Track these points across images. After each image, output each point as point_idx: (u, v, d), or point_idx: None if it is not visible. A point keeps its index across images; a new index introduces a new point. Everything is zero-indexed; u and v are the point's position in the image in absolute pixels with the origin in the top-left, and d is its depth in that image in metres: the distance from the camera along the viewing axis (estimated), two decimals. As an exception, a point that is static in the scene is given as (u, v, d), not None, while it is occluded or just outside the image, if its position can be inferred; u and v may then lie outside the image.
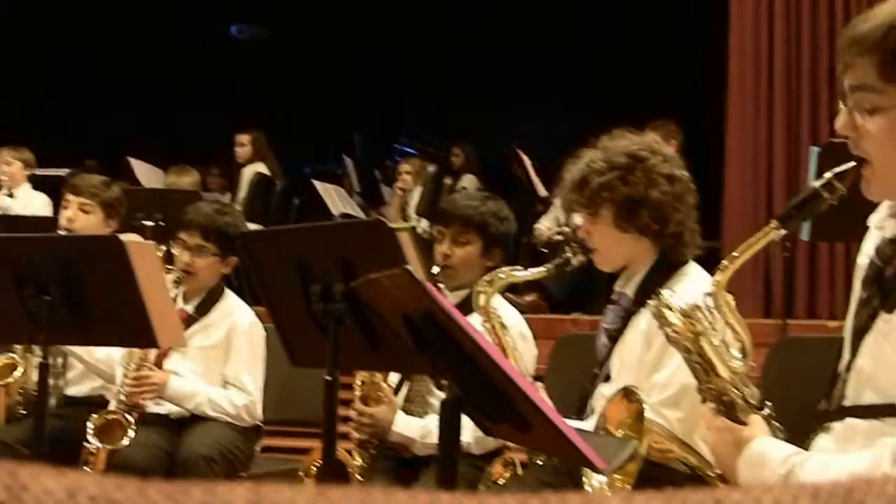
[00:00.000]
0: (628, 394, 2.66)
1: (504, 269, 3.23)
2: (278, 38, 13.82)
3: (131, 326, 3.15)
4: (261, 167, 9.39)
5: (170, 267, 4.08)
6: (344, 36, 12.94)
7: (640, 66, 11.23)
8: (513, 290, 5.01)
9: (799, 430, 2.08)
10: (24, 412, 4.14)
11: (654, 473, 2.65)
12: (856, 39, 1.89)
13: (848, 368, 2.01)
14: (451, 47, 12.59)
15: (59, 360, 4.24)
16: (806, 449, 2.00)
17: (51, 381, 3.80)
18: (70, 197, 4.54)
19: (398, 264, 2.15)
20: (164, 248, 4.17)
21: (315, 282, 2.75)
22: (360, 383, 3.61)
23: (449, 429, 2.13)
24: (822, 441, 2.04)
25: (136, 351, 4.00)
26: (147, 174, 8.63)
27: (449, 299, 3.22)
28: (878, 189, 1.96)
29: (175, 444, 4.02)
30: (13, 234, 4.59)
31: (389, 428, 3.55)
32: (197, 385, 4.07)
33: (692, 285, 2.84)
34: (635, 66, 11.27)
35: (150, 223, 6.46)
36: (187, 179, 8.51)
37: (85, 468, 3.82)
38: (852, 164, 1.97)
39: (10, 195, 7.78)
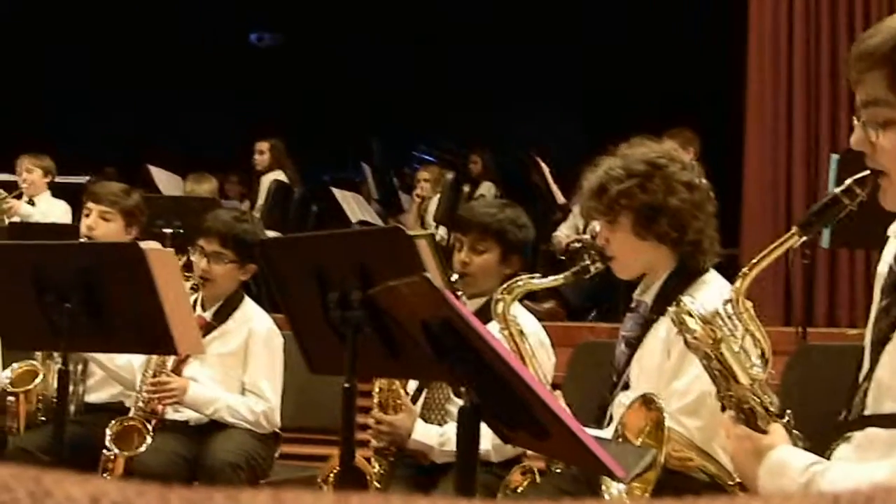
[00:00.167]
0: (647, 402, 2.65)
1: (522, 276, 3.23)
2: (296, 46, 13.86)
3: (151, 333, 3.16)
4: (279, 175, 9.41)
5: (188, 274, 4.09)
6: (357, 41, 12.96)
7: (659, 72, 11.22)
8: (531, 298, 5.01)
9: (819, 439, 2.07)
10: (44, 419, 4.16)
11: (672, 482, 2.64)
12: (864, 54, 1.89)
13: (868, 377, 2.00)
14: (451, 47, 12.60)
15: (79, 367, 4.26)
16: (826, 458, 1.99)
17: (70, 388, 3.82)
18: (90, 205, 4.55)
19: (416, 272, 2.15)
20: (183, 257, 4.18)
21: (333, 289, 2.75)
22: (378, 391, 3.61)
23: (467, 436, 2.13)
24: (842, 450, 2.03)
25: (155, 358, 4.01)
26: (166, 181, 8.66)
27: (467, 307, 3.22)
28: (895, 200, 1.95)
29: (194, 451, 4.02)
30: (34, 241, 4.62)
31: (408, 436, 3.55)
32: (216, 392, 4.08)
33: (711, 293, 2.83)
34: (654, 72, 11.26)
35: (169, 230, 6.49)
36: (206, 187, 8.54)
37: (104, 475, 3.83)
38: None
39: (31, 203, 7.82)
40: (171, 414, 4.10)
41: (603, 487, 2.64)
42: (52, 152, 8.25)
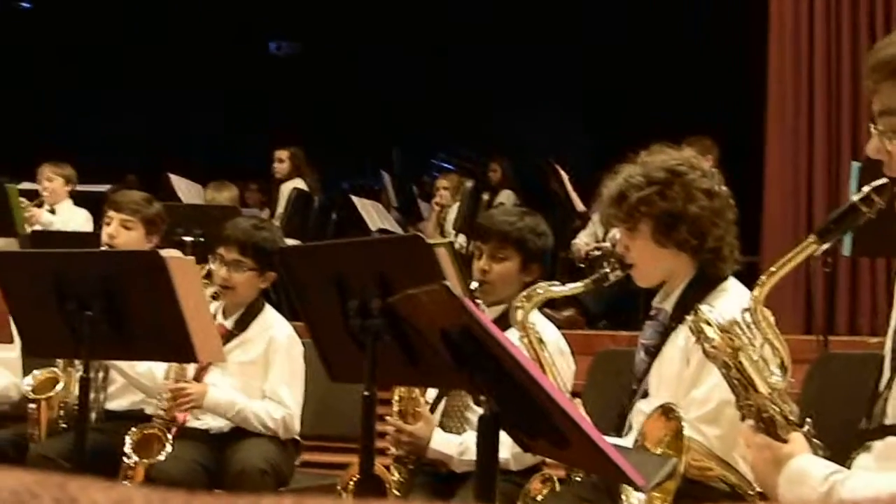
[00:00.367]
0: (667, 411, 2.64)
1: (542, 284, 3.23)
2: (316, 54, 13.90)
3: (171, 341, 3.18)
4: (299, 183, 9.43)
5: (207, 282, 4.10)
6: (377, 50, 12.99)
7: (680, 78, 11.21)
8: (550, 306, 5.00)
9: (839, 448, 2.06)
10: (65, 426, 4.17)
11: (692, 491, 2.64)
12: (880, 64, 1.89)
13: (889, 386, 2.00)
14: (467, 52, 12.64)
15: (100, 375, 4.27)
16: (846, 467, 1.98)
17: (91, 395, 3.84)
18: (111, 213, 4.57)
19: (436, 280, 2.15)
20: (205, 266, 4.19)
21: (353, 297, 2.76)
22: (397, 399, 3.61)
23: (487, 445, 2.13)
24: (862, 459, 2.02)
25: (175, 366, 4.02)
26: (187, 190, 8.69)
27: (486, 315, 3.22)
28: None
29: (213, 459, 4.03)
30: (55, 249, 4.65)
31: (427, 445, 3.55)
32: (235, 396, 4.09)
33: (731, 301, 2.82)
34: (674, 77, 11.25)
35: (189, 239, 6.51)
36: (226, 195, 8.57)
37: (124, 482, 3.84)
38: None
39: (52, 211, 7.86)
40: (192, 422, 4.11)
41: (623, 496, 2.63)
42: (73, 161, 8.29)
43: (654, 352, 3.02)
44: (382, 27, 12.92)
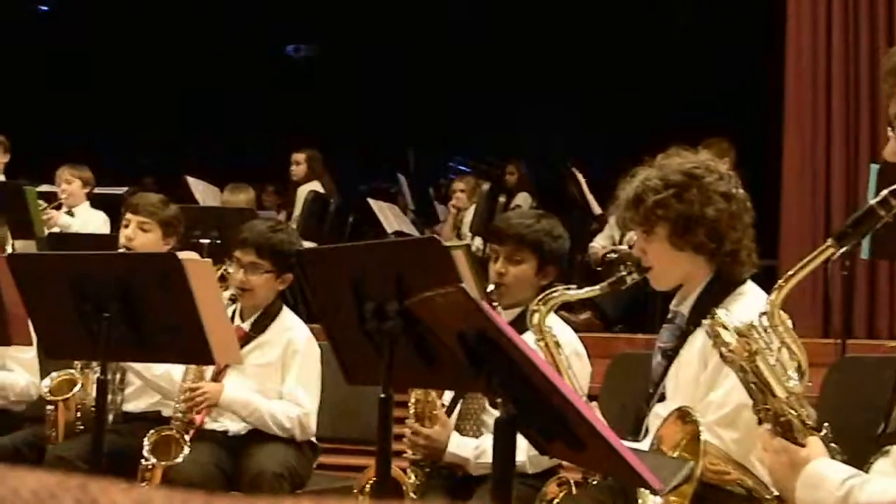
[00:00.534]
0: (683, 415, 2.64)
1: (558, 287, 3.23)
2: (332, 57, 13.93)
3: (188, 343, 3.19)
4: (316, 185, 9.44)
5: (224, 284, 4.11)
6: (392, 52, 13.01)
7: (697, 79, 11.19)
8: (567, 309, 5.00)
9: (857, 452, 2.05)
10: (83, 427, 4.19)
11: (709, 495, 2.63)
12: (895, 69, 1.89)
13: (907, 390, 1.99)
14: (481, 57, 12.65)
15: (117, 376, 4.29)
16: (864, 472, 1.97)
17: (109, 397, 3.85)
18: (129, 215, 4.59)
19: (452, 282, 2.15)
20: (221, 267, 4.20)
21: (369, 300, 2.76)
22: (414, 401, 3.61)
23: (503, 447, 2.13)
24: (880, 464, 2.01)
25: (193, 368, 4.03)
26: (204, 192, 8.71)
27: (503, 317, 3.22)
28: None
29: (231, 461, 4.04)
30: (73, 251, 4.66)
31: (444, 449, 3.55)
32: (251, 395, 4.10)
33: (748, 304, 2.82)
34: (692, 79, 11.23)
35: (206, 241, 6.52)
36: (243, 197, 8.58)
37: (142, 484, 3.85)
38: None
39: (70, 213, 7.89)
40: (209, 423, 4.12)
41: (639, 500, 2.63)
42: (92, 163, 8.32)
43: (671, 355, 3.01)
44: (398, 30, 12.93)
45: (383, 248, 3.53)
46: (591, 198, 8.44)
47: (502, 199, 9.75)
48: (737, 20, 10.49)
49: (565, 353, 3.22)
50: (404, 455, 3.62)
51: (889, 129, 1.95)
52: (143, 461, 3.91)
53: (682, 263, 3.02)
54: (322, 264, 3.09)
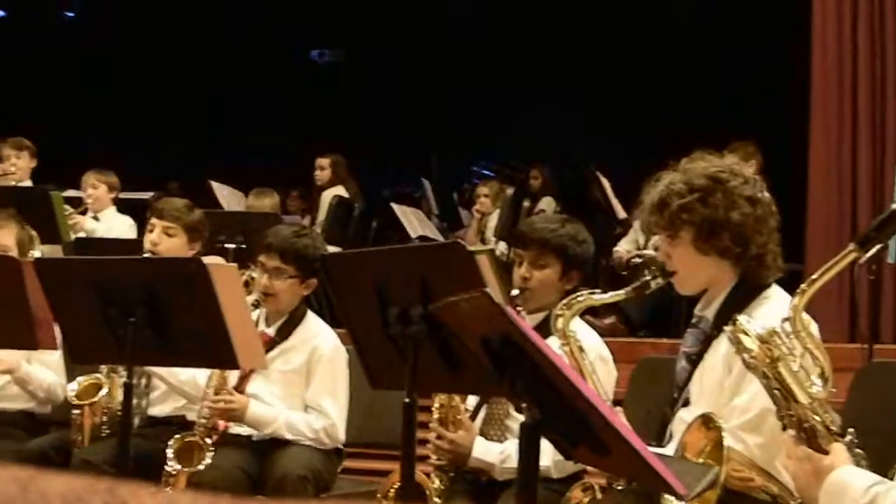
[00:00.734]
0: (706, 421, 2.63)
1: (583, 291, 3.22)
2: (356, 63, 13.96)
3: (213, 348, 3.20)
4: (340, 190, 9.47)
5: (248, 289, 4.12)
6: (417, 58, 13.03)
7: (722, 82, 11.15)
8: (591, 313, 4.99)
9: (884, 457, 2.04)
10: (109, 431, 4.20)
11: (733, 501, 2.62)
12: None
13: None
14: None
15: (143, 381, 4.30)
16: (890, 478, 1.96)
17: (134, 401, 3.87)
18: (154, 220, 4.61)
19: (477, 287, 2.15)
20: (245, 272, 4.20)
21: (393, 304, 2.76)
22: (437, 406, 3.61)
23: (528, 452, 2.13)
24: (907, 469, 2.00)
25: (217, 373, 4.04)
26: (228, 197, 8.74)
27: (527, 322, 3.22)
28: None
29: (256, 466, 4.04)
30: (99, 256, 4.69)
31: (468, 454, 3.54)
32: (276, 410, 4.09)
33: (773, 309, 2.80)
34: (716, 81, 11.19)
35: (231, 246, 6.55)
36: (267, 202, 8.60)
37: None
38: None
39: (96, 218, 7.93)
40: (234, 428, 4.13)
41: (664, 505, 2.62)
42: (117, 168, 8.36)
43: (695, 360, 3.00)
44: (411, 34, 12.94)
45: (407, 253, 3.53)
46: (615, 202, 8.42)
47: (526, 203, 9.74)
48: (763, 23, 10.44)
49: (590, 358, 3.21)
50: (428, 460, 3.62)
51: None
52: (166, 467, 3.92)
53: (706, 268, 3.01)
54: (346, 269, 3.10)
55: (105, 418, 4.25)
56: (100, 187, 8.03)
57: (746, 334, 2.08)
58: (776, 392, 2.05)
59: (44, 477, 0.52)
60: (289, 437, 4.05)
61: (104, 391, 4.25)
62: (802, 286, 2.05)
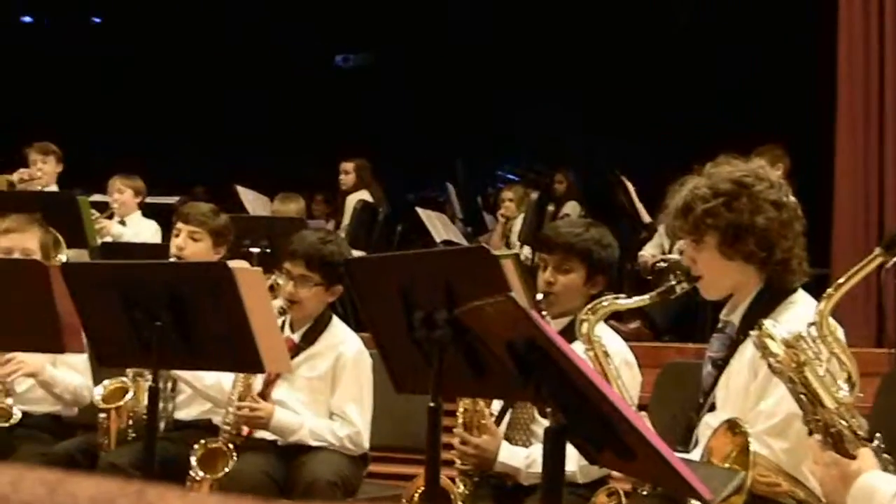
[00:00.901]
0: (732, 426, 2.62)
1: (608, 296, 3.21)
2: (381, 67, 13.98)
3: (239, 352, 3.21)
4: (364, 195, 9.48)
5: (273, 294, 4.12)
6: (440, 62, 13.04)
7: (748, 86, 11.12)
8: (616, 318, 4.98)
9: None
10: (134, 435, 4.22)
11: (759, 506, 2.60)
12: None
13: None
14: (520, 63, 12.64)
15: (169, 385, 4.32)
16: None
17: (160, 405, 3.88)
18: (180, 225, 4.63)
19: (502, 291, 2.15)
20: (271, 276, 4.21)
21: (418, 308, 2.77)
22: (462, 410, 3.61)
23: (553, 457, 2.12)
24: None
25: (242, 378, 4.04)
26: (253, 201, 8.77)
27: (552, 326, 3.21)
28: None
29: (282, 470, 4.04)
30: (125, 261, 4.71)
31: (494, 458, 3.54)
32: (301, 417, 4.09)
33: (799, 314, 2.79)
34: (742, 85, 11.16)
35: (256, 250, 6.57)
36: (293, 207, 8.63)
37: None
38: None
39: (122, 223, 7.97)
40: (259, 433, 4.13)
41: (689, 510, 2.61)
42: (143, 173, 8.40)
43: (721, 365, 2.99)
44: (446, 39, 12.96)
45: (432, 257, 3.53)
46: (640, 206, 8.40)
47: (551, 207, 9.72)
48: (789, 26, 10.40)
49: (615, 363, 3.20)
50: (453, 465, 3.62)
51: None
52: (190, 474, 3.93)
53: (731, 273, 3.00)
54: (371, 273, 3.10)
55: (131, 422, 4.26)
56: (126, 192, 8.07)
57: (772, 339, 2.07)
58: (802, 397, 2.04)
59: (72, 479, 0.52)
60: (313, 443, 4.06)
61: (130, 395, 4.26)
62: (829, 290, 2.04)
